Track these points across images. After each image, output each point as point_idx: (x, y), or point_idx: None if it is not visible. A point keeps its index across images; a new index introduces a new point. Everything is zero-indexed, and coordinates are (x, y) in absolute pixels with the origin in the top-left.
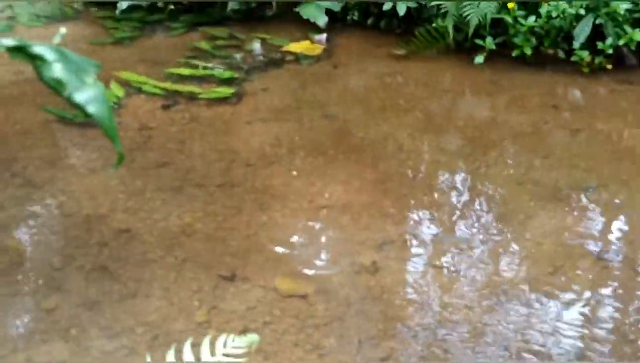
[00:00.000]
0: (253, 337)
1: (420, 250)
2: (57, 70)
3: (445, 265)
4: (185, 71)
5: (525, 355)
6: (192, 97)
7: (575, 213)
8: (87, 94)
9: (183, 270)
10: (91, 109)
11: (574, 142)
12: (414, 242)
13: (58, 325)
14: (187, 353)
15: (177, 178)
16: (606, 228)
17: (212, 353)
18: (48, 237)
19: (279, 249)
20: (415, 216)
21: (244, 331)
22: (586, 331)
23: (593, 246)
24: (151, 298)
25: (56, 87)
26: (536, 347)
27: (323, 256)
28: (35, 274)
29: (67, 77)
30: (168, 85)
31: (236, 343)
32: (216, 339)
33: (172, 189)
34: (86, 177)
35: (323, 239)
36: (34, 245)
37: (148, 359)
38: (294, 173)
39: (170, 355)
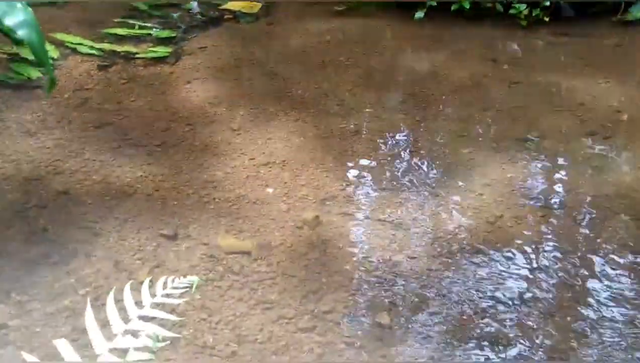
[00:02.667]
0: (193, 279)
1: (363, 205)
2: None
3: (388, 218)
4: (122, 31)
5: (469, 304)
6: (129, 57)
7: (516, 165)
8: (17, 18)
9: (124, 230)
10: (21, 32)
11: (513, 95)
12: (356, 197)
13: None
14: (127, 296)
15: (116, 138)
16: (546, 179)
17: (153, 295)
18: None
19: (221, 207)
20: (357, 172)
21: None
22: (528, 278)
23: (533, 197)
24: (92, 258)
25: None
26: (479, 296)
27: (265, 212)
28: None
29: None
30: (104, 45)
31: (176, 284)
32: (156, 282)
33: (111, 150)
34: (22, 140)
35: (265, 196)
36: None
37: (89, 307)
38: (235, 130)
39: (110, 298)
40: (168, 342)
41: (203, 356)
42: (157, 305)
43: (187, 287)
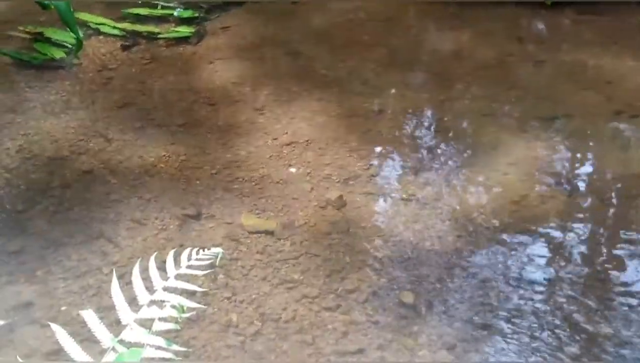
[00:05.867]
0: (218, 250)
1: (387, 184)
2: None
3: (412, 197)
4: (144, 11)
5: (494, 283)
6: (151, 37)
7: (541, 144)
8: None
9: (147, 210)
10: None
11: (539, 74)
12: (380, 176)
13: (24, 266)
14: (153, 268)
15: (139, 118)
16: (572, 158)
17: (177, 267)
18: (10, 181)
19: (244, 186)
20: (380, 151)
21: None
22: (553, 258)
23: (559, 176)
24: (116, 238)
25: None
26: (504, 275)
27: (288, 192)
28: None
29: None
30: (127, 25)
31: (201, 256)
32: (180, 253)
33: (134, 130)
34: (46, 119)
35: (288, 175)
36: None
37: (114, 280)
38: (258, 110)
39: (136, 270)
40: (193, 312)
41: (227, 334)
42: (181, 277)
43: (211, 259)
